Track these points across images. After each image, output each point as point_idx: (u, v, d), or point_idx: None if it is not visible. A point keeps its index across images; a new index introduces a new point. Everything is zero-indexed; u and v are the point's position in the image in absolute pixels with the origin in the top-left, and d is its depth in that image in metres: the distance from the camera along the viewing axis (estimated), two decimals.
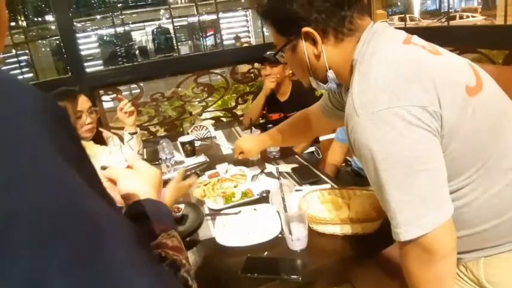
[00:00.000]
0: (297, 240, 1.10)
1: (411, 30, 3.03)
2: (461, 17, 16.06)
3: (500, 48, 2.02)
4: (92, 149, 0.74)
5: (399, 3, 21.32)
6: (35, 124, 0.31)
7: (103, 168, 0.71)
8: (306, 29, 0.86)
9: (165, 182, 1.75)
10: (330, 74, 0.92)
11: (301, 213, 1.10)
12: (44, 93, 0.33)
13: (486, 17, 14.78)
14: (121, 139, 1.99)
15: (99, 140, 1.89)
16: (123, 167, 0.72)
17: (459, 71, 0.83)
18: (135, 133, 1.91)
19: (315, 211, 1.20)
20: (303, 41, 0.89)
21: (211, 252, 1.17)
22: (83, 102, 1.73)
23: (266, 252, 1.13)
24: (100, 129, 1.94)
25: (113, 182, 0.70)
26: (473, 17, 16.04)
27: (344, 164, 2.55)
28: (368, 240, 1.13)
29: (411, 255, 0.79)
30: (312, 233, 1.16)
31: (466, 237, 0.88)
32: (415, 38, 0.87)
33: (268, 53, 2.42)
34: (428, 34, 2.52)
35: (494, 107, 0.85)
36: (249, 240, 1.17)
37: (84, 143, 0.72)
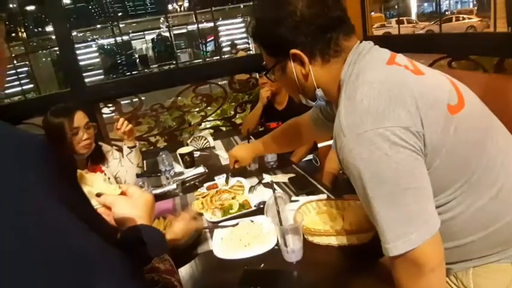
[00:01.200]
0: (292, 253, 1.12)
1: (404, 38, 3.07)
2: (457, 19, 16.12)
3: (491, 55, 2.05)
4: (87, 177, 0.78)
5: (396, 6, 21.45)
6: (36, 175, 0.34)
7: (98, 195, 0.74)
8: (293, 51, 0.90)
9: (164, 194, 1.80)
10: (319, 93, 0.95)
11: (296, 226, 1.12)
12: (47, 143, 0.37)
13: (481, 19, 14.84)
14: (122, 150, 2.02)
15: (98, 154, 1.93)
16: (117, 194, 0.76)
17: (440, 90, 0.86)
18: (134, 147, 1.94)
19: (310, 223, 1.23)
20: (292, 62, 0.92)
21: (209, 266, 1.20)
22: (80, 118, 1.76)
23: (262, 264, 1.15)
24: (100, 143, 1.97)
25: (108, 208, 0.73)
26: (469, 18, 16.09)
27: (341, 171, 2.57)
28: (363, 250, 1.15)
29: (401, 269, 0.81)
30: (307, 244, 1.18)
31: (454, 249, 0.91)
32: (399, 58, 0.90)
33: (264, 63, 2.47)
34: (420, 41, 2.57)
35: (477, 123, 0.87)
36: (246, 252, 1.19)
37: (79, 171, 0.76)
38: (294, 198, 1.54)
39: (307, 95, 0.99)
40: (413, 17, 21.04)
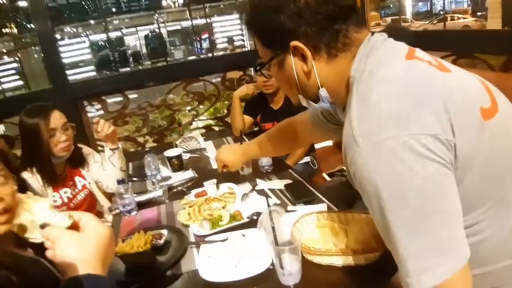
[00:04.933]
0: (289, 275, 0.98)
1: (405, 34, 2.93)
2: (452, 19, 16.02)
3: (498, 54, 1.92)
4: (27, 202, 0.63)
5: (391, 5, 21.37)
6: None
7: (42, 226, 0.60)
8: (294, 43, 0.75)
9: (149, 201, 1.65)
10: (323, 93, 0.81)
11: (294, 246, 0.98)
12: None
13: (476, 19, 14.79)
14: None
15: (78, 157, 1.77)
16: (66, 225, 0.61)
17: (471, 91, 0.72)
18: (117, 148, 1.79)
19: (309, 239, 1.08)
20: (291, 56, 0.78)
21: None
22: (57, 118, 1.61)
23: None
24: (79, 145, 1.82)
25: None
26: (464, 18, 16.03)
27: (339, 173, 2.43)
28: (369, 271, 1.01)
29: None
30: (306, 264, 1.04)
31: (481, 276, 0.77)
32: (419, 52, 0.76)
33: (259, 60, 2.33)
34: (424, 38, 2.44)
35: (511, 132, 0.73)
36: (237, 274, 1.04)
37: (20, 195, 0.62)
38: (290, 207, 1.39)
39: (308, 95, 0.84)
40: (408, 16, 20.95)
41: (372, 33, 0.79)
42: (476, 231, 0.72)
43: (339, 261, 1.03)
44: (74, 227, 0.62)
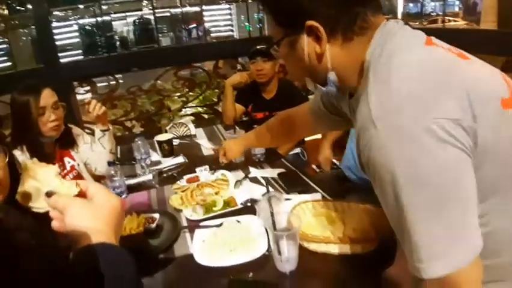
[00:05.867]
0: (287, 261, 0.97)
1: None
2: (443, 21, 16.10)
3: (499, 54, 1.93)
4: (33, 169, 0.60)
5: (382, 5, 21.41)
6: None
7: (49, 194, 0.56)
8: (311, 22, 0.72)
9: (139, 185, 1.61)
10: (332, 76, 0.79)
11: (293, 231, 0.97)
12: None
13: (468, 22, 14.98)
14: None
15: (67, 138, 1.72)
16: (73, 194, 0.58)
17: (492, 79, 0.71)
18: (107, 130, 1.74)
19: (306, 227, 1.08)
20: (305, 36, 0.75)
21: (189, 273, 1.03)
22: (47, 96, 1.55)
23: (251, 274, 1.00)
24: (69, 125, 1.76)
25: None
26: (455, 21, 16.18)
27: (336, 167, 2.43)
28: (365, 261, 1.01)
29: None
30: (302, 251, 1.03)
31: (487, 267, 0.76)
32: (436, 40, 0.75)
33: (258, 47, 2.30)
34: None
35: None
36: (232, 259, 1.03)
37: (26, 162, 0.58)
38: (285, 196, 1.38)
39: (316, 78, 0.82)
40: (399, 16, 21.06)
41: (387, 19, 0.78)
42: (486, 222, 0.71)
43: (335, 249, 1.03)
44: (81, 196, 0.59)
